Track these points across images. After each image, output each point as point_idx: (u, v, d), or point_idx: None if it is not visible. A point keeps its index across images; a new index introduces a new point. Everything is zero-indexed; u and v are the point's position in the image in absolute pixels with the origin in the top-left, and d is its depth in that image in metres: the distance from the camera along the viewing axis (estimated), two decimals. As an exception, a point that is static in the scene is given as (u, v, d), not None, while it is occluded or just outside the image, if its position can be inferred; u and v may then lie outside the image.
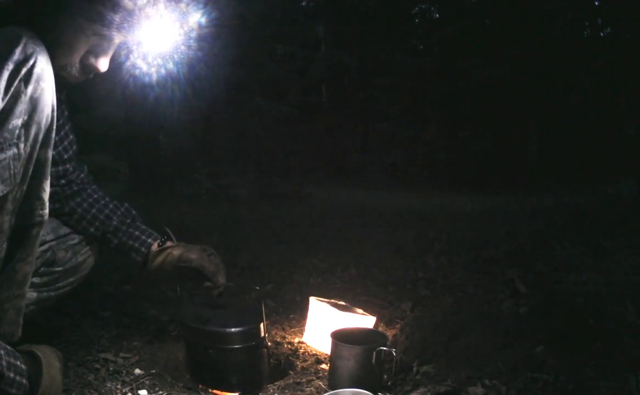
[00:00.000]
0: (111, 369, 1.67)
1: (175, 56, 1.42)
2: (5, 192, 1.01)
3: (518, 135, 11.87)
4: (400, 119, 13.39)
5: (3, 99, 0.95)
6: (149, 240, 1.64)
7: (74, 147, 1.54)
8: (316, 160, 12.62)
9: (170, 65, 1.45)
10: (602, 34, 12.73)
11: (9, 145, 0.99)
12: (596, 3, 12.37)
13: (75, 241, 1.57)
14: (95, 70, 1.23)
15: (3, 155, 0.98)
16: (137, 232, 1.63)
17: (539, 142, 11.58)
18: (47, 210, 1.17)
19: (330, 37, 14.91)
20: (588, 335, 1.66)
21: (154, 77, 1.45)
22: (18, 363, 1.11)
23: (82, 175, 1.60)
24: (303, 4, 15.17)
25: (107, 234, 1.60)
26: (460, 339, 1.86)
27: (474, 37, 12.01)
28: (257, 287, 1.87)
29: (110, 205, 1.61)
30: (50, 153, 1.12)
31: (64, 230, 1.54)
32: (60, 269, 1.53)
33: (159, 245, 1.64)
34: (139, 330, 2.05)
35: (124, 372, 1.66)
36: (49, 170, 1.14)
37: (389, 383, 1.68)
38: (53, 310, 2.07)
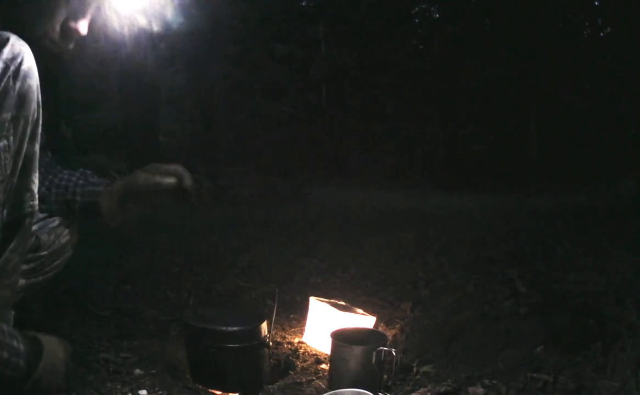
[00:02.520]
0: (111, 369, 1.67)
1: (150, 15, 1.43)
2: None
3: (518, 135, 11.88)
4: (400, 119, 13.39)
5: None
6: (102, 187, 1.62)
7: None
8: (316, 160, 12.63)
9: (144, 21, 1.44)
10: (602, 34, 12.73)
11: (0, 137, 1.03)
12: (596, 3, 12.37)
13: (56, 223, 1.58)
14: (76, 33, 1.26)
15: None
16: (90, 188, 1.61)
17: (539, 142, 11.59)
18: (36, 202, 1.21)
19: (330, 37, 14.91)
20: (588, 335, 1.66)
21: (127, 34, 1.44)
22: (15, 344, 1.11)
23: (46, 159, 1.61)
24: (303, 4, 15.17)
25: (68, 195, 1.59)
26: (460, 339, 1.86)
27: (474, 37, 12.01)
28: (277, 290, 1.87)
29: (65, 172, 1.60)
30: (37, 147, 1.16)
31: (42, 213, 1.55)
32: (45, 252, 1.54)
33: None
34: (139, 330, 2.05)
35: (124, 372, 1.66)
36: (37, 163, 1.18)
37: (389, 383, 1.68)
38: (53, 310, 2.08)
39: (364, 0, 13.03)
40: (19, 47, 1.05)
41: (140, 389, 1.57)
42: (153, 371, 1.69)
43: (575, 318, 1.80)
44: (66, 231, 1.62)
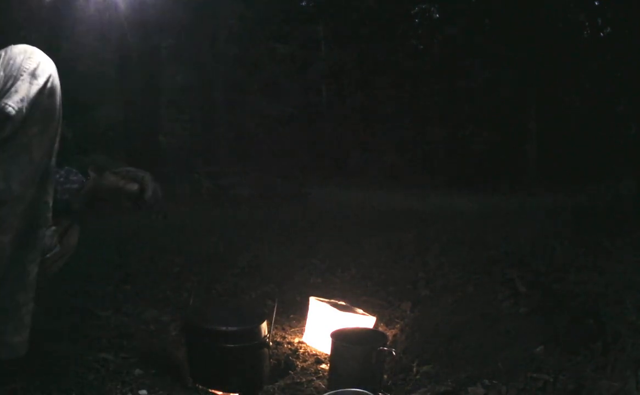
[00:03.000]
0: (111, 369, 1.67)
1: None
2: (19, 193, 1.07)
3: (518, 135, 11.87)
4: (400, 119, 13.38)
5: (27, 109, 1.03)
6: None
7: None
8: (316, 160, 12.63)
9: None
10: (602, 34, 12.73)
11: (26, 150, 1.06)
12: (596, 3, 12.37)
13: (57, 227, 1.59)
14: None
15: (23, 158, 1.06)
16: (68, 185, 1.62)
17: (539, 142, 11.58)
18: (51, 214, 1.22)
19: (330, 37, 14.91)
20: (588, 335, 1.66)
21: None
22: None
23: None
24: (303, 4, 15.17)
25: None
26: (460, 339, 1.86)
27: (474, 37, 12.01)
28: (277, 290, 1.86)
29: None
30: (54, 161, 1.19)
31: None
32: (48, 256, 1.55)
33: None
34: (139, 330, 2.04)
35: (124, 372, 1.66)
36: (52, 176, 1.21)
37: (389, 383, 1.68)
38: (53, 310, 2.08)
39: (364, 0, 13.02)
40: (47, 64, 1.09)
41: (140, 389, 1.57)
42: (153, 371, 1.69)
43: (575, 318, 1.80)
44: (67, 233, 1.62)
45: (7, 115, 0.99)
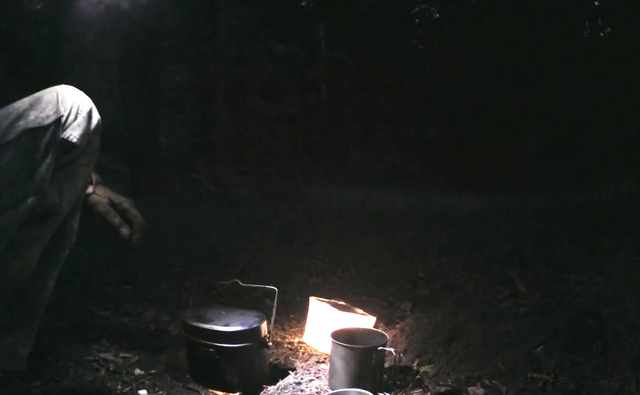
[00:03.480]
0: (111, 369, 1.67)
1: None
2: (64, 212, 1.19)
3: (518, 135, 11.88)
4: (400, 119, 13.40)
5: (83, 143, 1.19)
6: None
7: None
8: (316, 160, 12.65)
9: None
10: (602, 34, 12.74)
11: (77, 177, 1.21)
12: (596, 3, 12.38)
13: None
14: None
15: (73, 183, 1.21)
16: None
17: (539, 142, 11.59)
18: (75, 239, 1.32)
19: (330, 37, 14.93)
20: (588, 335, 1.66)
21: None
22: None
23: None
24: (303, 4, 15.19)
25: None
26: (460, 339, 1.86)
27: (474, 37, 12.02)
28: (275, 289, 1.85)
29: None
30: (84, 191, 1.32)
31: None
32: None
33: None
34: (139, 330, 2.04)
35: (124, 372, 1.66)
36: (81, 203, 1.33)
37: (389, 383, 1.68)
38: (53, 310, 2.08)
39: (364, 0, 13.03)
40: (95, 109, 1.24)
41: (140, 389, 1.57)
42: (153, 371, 1.69)
43: (575, 318, 1.80)
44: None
45: (74, 145, 1.17)
